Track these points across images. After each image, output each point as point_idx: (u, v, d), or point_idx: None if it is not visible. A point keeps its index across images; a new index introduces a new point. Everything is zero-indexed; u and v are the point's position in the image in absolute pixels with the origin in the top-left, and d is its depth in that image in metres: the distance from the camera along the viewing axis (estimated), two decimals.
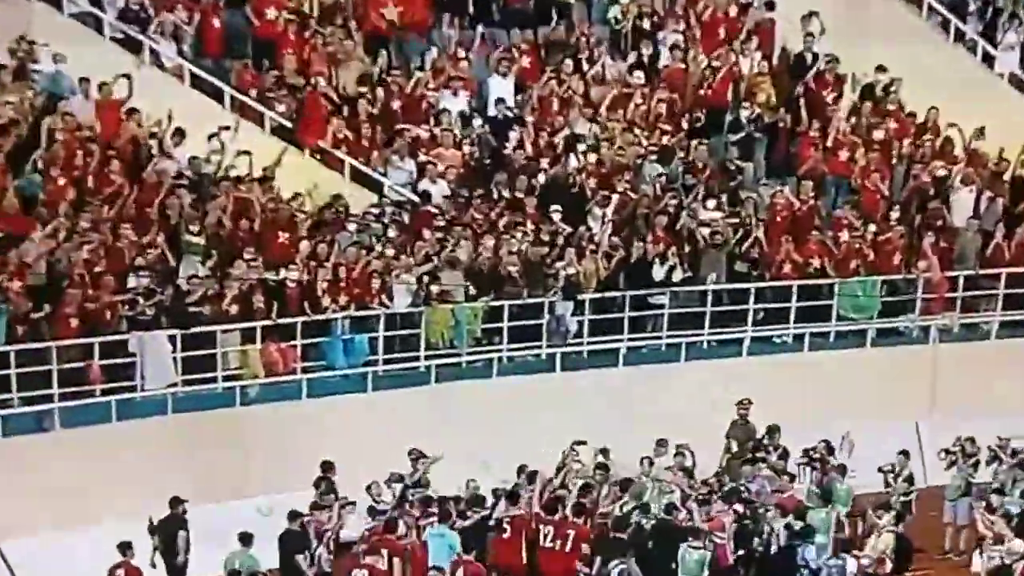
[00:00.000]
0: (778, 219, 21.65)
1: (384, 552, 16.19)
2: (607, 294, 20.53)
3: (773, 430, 19.17)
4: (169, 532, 16.87)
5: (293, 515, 16.73)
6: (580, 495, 17.30)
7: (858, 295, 21.43)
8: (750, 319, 21.10)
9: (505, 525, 16.87)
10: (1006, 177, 22.78)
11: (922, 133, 23.09)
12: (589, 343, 20.50)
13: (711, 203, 21.45)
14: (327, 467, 17.71)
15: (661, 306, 20.73)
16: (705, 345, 21.06)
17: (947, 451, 19.19)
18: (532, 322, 20.15)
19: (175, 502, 16.95)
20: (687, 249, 20.95)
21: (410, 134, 21.37)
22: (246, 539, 16.41)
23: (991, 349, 21.94)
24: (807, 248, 21.46)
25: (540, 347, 20.24)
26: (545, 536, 16.72)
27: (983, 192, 22.59)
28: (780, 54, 23.79)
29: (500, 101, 22.05)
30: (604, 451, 18.45)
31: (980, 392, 20.85)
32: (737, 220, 21.42)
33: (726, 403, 19.60)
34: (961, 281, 21.86)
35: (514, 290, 20.05)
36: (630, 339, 20.62)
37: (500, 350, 20.11)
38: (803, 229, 21.67)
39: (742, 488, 17.73)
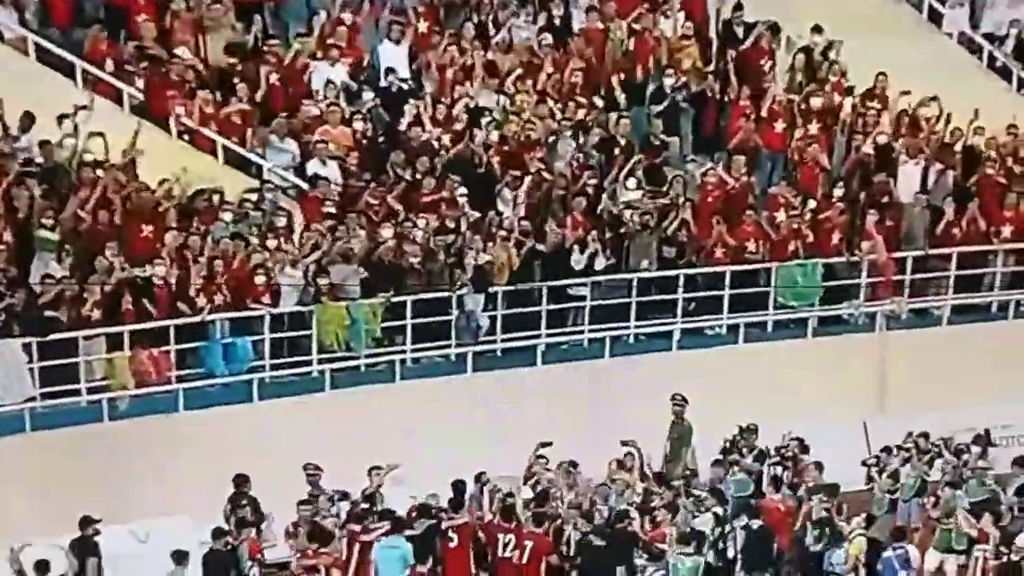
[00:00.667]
0: (708, 199, 22.24)
1: (322, 567, 17.08)
2: (522, 286, 20.97)
3: (749, 430, 19.78)
4: (78, 559, 17.15)
5: (218, 533, 17.33)
6: (536, 503, 17.97)
7: (797, 280, 22.12)
8: (679, 309, 21.78)
9: (452, 534, 17.63)
10: (957, 148, 23.60)
11: (867, 100, 23.74)
12: (503, 340, 20.98)
13: (631, 182, 22.02)
14: (242, 481, 18.18)
15: (582, 298, 21.25)
16: (632, 339, 21.64)
17: (900, 447, 20.03)
18: (439, 319, 20.57)
19: (86, 523, 17.19)
20: (609, 234, 21.53)
21: (300, 114, 21.63)
22: (181, 557, 17.01)
23: (943, 335, 22.86)
24: (741, 230, 22.04)
25: (449, 346, 20.69)
26: (505, 545, 17.51)
27: (931, 164, 23.37)
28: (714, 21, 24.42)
29: (391, 71, 22.46)
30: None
31: (932, 382, 21.73)
32: (663, 200, 22.11)
33: (660, 401, 20.25)
34: (909, 262, 22.64)
35: (417, 283, 20.46)
36: (548, 335, 21.21)
37: (403, 351, 20.49)
38: (736, 209, 22.26)
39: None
